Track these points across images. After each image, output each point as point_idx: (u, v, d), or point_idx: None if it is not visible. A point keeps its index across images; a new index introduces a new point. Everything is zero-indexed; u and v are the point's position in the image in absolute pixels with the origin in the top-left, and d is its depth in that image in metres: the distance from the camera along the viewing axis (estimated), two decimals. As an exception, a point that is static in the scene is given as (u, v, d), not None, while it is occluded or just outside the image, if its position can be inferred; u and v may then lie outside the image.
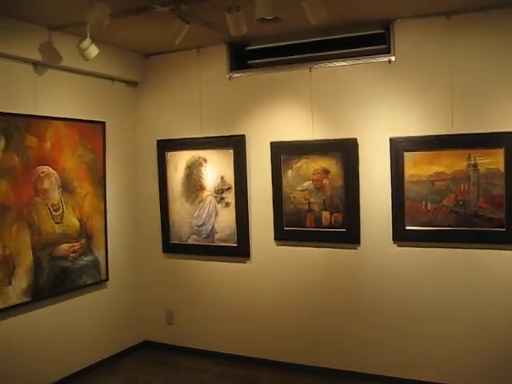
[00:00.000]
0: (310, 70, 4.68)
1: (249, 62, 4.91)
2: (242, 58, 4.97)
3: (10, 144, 4.08)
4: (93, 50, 4.10)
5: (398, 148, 4.35)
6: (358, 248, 4.58)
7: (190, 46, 4.95)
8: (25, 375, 4.29)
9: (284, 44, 4.73)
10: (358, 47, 4.47)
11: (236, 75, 4.99)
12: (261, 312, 5.00)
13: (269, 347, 4.98)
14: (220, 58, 5.05)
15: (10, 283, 4.09)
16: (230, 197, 5.00)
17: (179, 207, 5.26)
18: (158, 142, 5.36)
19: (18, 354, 4.25)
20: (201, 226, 5.15)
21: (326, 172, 4.62)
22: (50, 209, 4.42)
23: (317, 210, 4.68)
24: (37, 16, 4.02)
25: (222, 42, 4.97)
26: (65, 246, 4.56)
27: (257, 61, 4.85)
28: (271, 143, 4.83)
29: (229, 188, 5.00)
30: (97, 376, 4.86)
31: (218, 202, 5.05)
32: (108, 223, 5.05)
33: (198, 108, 5.15)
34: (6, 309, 4.09)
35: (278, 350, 4.95)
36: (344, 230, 4.59)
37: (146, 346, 5.58)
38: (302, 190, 4.73)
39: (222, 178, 5.03)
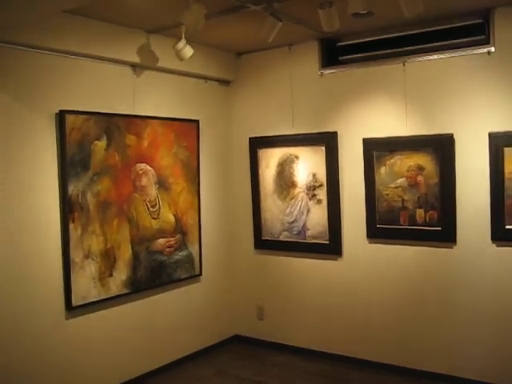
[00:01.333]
0: (404, 65, 4.56)
1: (340, 58, 4.85)
2: (333, 53, 4.92)
3: (111, 143, 4.29)
4: (188, 51, 4.22)
5: (498, 143, 4.15)
6: (454, 247, 4.41)
7: (281, 43, 4.97)
8: (121, 364, 4.52)
9: (376, 38, 4.63)
10: (455, 39, 4.29)
11: (327, 71, 4.96)
12: (352, 311, 4.94)
13: (359, 346, 4.91)
14: (311, 54, 5.03)
15: (111, 275, 4.31)
16: (322, 194, 4.98)
17: (271, 204, 5.31)
18: (250, 139, 5.42)
19: (115, 342, 4.47)
20: (292, 222, 5.17)
21: (421, 168, 4.50)
22: (147, 205, 4.60)
23: (411, 207, 4.57)
24: (135, 20, 4.20)
25: (314, 39, 4.95)
26: (161, 241, 4.74)
27: (348, 56, 4.79)
28: (364, 139, 4.76)
29: (320, 185, 4.98)
30: (189, 368, 5.00)
31: (310, 199, 5.05)
32: (202, 219, 5.18)
33: (289, 105, 5.17)
34: (107, 299, 4.32)
35: (368, 349, 4.87)
36: (439, 228, 4.44)
37: (237, 340, 5.67)
38: (396, 187, 4.63)
39: (314, 175, 5.01)
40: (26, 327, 3.84)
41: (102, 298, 4.27)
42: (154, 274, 4.68)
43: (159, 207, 4.71)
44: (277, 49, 5.18)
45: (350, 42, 4.76)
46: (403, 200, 4.60)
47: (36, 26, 3.69)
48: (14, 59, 3.75)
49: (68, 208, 4.00)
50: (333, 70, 4.93)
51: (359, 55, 4.73)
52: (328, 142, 4.92)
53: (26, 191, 3.83)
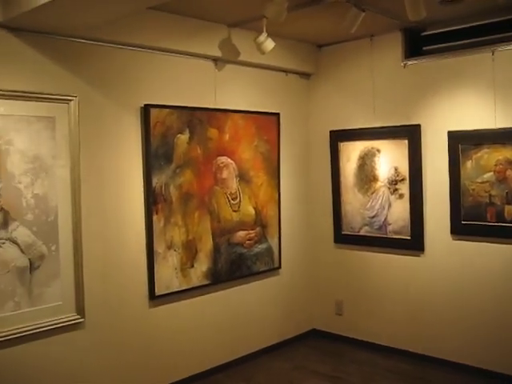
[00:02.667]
0: (493, 53, 4.35)
1: (424, 48, 4.71)
2: (416, 44, 4.78)
3: (193, 136, 4.37)
4: (269, 44, 4.22)
5: None
6: (547, 246, 4.21)
7: (362, 34, 4.88)
8: (199, 354, 4.60)
9: (463, 27, 4.45)
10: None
11: (411, 62, 4.82)
12: (434, 309, 4.79)
13: (442, 346, 4.75)
14: (394, 45, 4.91)
15: (192, 266, 4.40)
16: (404, 188, 4.85)
17: (351, 198, 5.23)
18: (331, 132, 5.36)
19: (195, 332, 4.55)
20: (373, 217, 5.08)
21: (510, 163, 4.29)
22: (228, 197, 4.65)
23: (498, 203, 4.37)
24: (217, 15, 4.24)
25: (397, 29, 4.82)
26: (241, 234, 4.78)
27: (433, 46, 4.64)
28: (449, 132, 4.59)
29: (403, 179, 4.85)
30: (266, 360, 5.02)
31: (392, 194, 4.93)
32: (281, 212, 5.19)
33: (370, 97, 5.07)
34: (189, 289, 4.40)
35: (450, 349, 4.71)
36: (530, 225, 4.24)
37: (314, 335, 5.64)
38: (483, 182, 4.44)
39: (396, 169, 4.89)
40: (115, 314, 3.99)
41: (183, 288, 4.37)
42: (234, 266, 4.73)
43: (240, 200, 4.75)
44: (358, 40, 5.10)
45: (435, 32, 4.61)
46: (490, 195, 4.41)
47: (122, 23, 3.80)
48: (102, 56, 3.89)
49: (152, 200, 4.11)
50: (416, 61, 4.79)
51: (444, 45, 4.57)
52: (411, 135, 4.79)
53: (114, 183, 3.97)
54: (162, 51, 4.20)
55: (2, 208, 3.35)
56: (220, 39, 4.45)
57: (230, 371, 4.74)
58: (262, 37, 4.17)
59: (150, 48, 4.11)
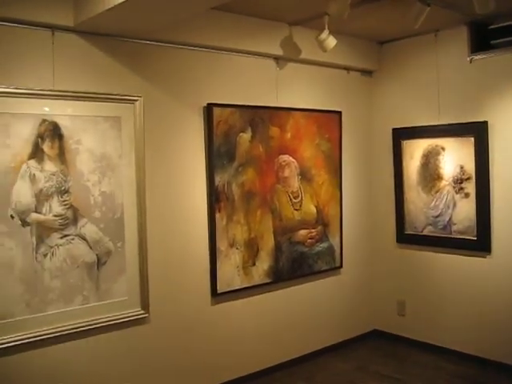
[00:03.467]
0: None
1: (492, 43, 4.55)
2: (483, 38, 4.62)
3: (255, 135, 4.39)
4: (331, 41, 4.19)
5: None
6: None
7: (426, 29, 4.75)
8: (260, 352, 4.62)
9: (533, 19, 4.29)
10: None
11: (477, 57, 4.67)
12: (500, 312, 4.61)
13: (508, 351, 4.57)
14: (459, 39, 4.77)
15: (254, 264, 4.42)
16: (470, 187, 4.70)
17: (415, 197, 5.12)
18: (394, 130, 5.26)
19: (255, 330, 4.57)
20: (437, 216, 4.95)
21: None
22: (289, 196, 4.65)
23: None
24: (278, 13, 4.24)
25: (462, 23, 4.68)
26: (302, 232, 4.76)
27: (501, 40, 4.48)
28: (518, 129, 4.44)
29: (468, 178, 4.70)
30: (327, 360, 4.98)
31: (457, 193, 4.79)
32: (343, 211, 5.14)
33: (435, 94, 4.94)
34: (249, 287, 4.43)
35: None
36: None
37: (376, 336, 5.56)
38: (555, 181, 4.27)
39: (462, 167, 4.75)
40: (178, 310, 4.06)
41: (245, 286, 4.39)
42: (296, 264, 4.72)
43: (301, 198, 4.74)
44: (421, 36, 4.98)
45: (504, 24, 4.44)
46: None
47: (185, 24, 3.86)
48: (166, 57, 3.96)
49: (215, 198, 4.15)
50: (484, 56, 4.63)
51: (514, 38, 4.41)
52: (477, 133, 4.63)
53: (178, 182, 4.04)
54: (224, 51, 4.24)
55: (72, 205, 3.47)
56: (281, 38, 4.46)
57: (289, 370, 4.74)
58: (324, 34, 4.15)
59: (212, 48, 4.16)
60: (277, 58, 4.58)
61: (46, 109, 3.37)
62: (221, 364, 4.33)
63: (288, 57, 4.57)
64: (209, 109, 4.11)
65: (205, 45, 4.10)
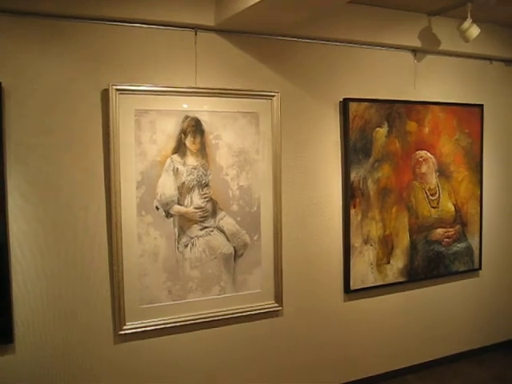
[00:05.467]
0: None
1: None
2: None
3: (392, 130, 4.28)
4: (474, 31, 3.98)
5: None
6: None
7: None
8: (392, 352, 4.53)
9: None
10: None
11: None
12: None
13: None
14: None
15: (388, 262, 4.32)
16: None
17: None
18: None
19: (388, 330, 4.48)
20: None
21: None
22: (426, 193, 4.48)
23: None
24: (416, 4, 4.09)
25: None
26: (439, 231, 4.57)
27: None
28: None
29: None
30: (461, 366, 4.75)
31: None
32: (483, 210, 4.85)
33: None
34: (383, 286, 4.33)
35: None
36: None
37: (514, 345, 5.23)
38: None
39: None
40: (310, 304, 4.09)
41: (378, 284, 4.30)
42: (432, 264, 4.54)
43: (439, 196, 4.55)
44: None
45: None
46: None
47: (321, 18, 3.85)
48: (302, 52, 3.98)
49: (350, 194, 4.10)
50: None
51: None
52: None
53: (313, 177, 4.05)
54: (360, 44, 4.17)
55: (211, 198, 3.60)
56: (419, 29, 4.30)
57: (421, 373, 4.59)
58: (467, 23, 3.95)
59: (348, 42, 4.11)
60: (414, 51, 4.43)
61: (185, 105, 3.51)
62: (351, 362, 4.30)
63: (426, 48, 4.40)
64: (345, 104, 4.07)
65: (341, 39, 4.06)
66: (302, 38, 3.94)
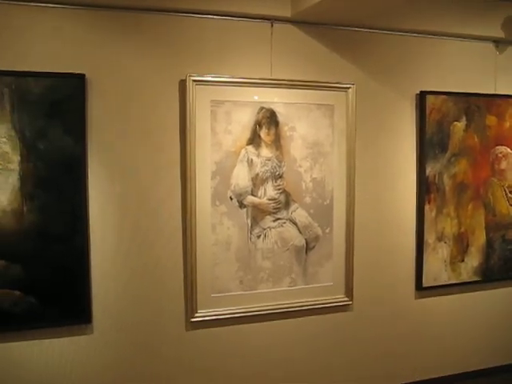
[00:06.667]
0: None
1: None
2: None
3: (470, 124, 4.14)
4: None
5: None
6: None
7: None
8: (462, 353, 4.39)
9: None
10: None
11: None
12: None
13: None
14: None
15: (462, 260, 4.20)
16: None
17: None
18: None
19: (458, 330, 4.35)
20: None
21: None
22: (505, 190, 4.31)
23: None
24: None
25: None
26: (519, 230, 4.41)
27: None
28: None
29: None
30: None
31: None
32: None
33: None
34: (456, 284, 4.22)
35: None
36: None
37: None
38: None
39: None
40: (381, 300, 4.03)
41: (451, 282, 4.19)
42: (508, 264, 4.37)
43: (519, 193, 4.39)
44: None
45: None
46: None
47: (397, 9, 3.75)
48: (379, 44, 3.91)
49: (424, 189, 4.01)
50: None
51: None
52: None
53: (387, 170, 3.99)
54: (438, 35, 4.05)
55: (285, 190, 3.60)
56: (502, 18, 4.12)
57: (493, 378, 4.42)
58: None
59: (424, 33, 3.99)
60: (497, 42, 4.26)
61: (260, 97, 3.52)
62: (421, 361, 4.22)
63: (510, 39, 4.22)
64: (422, 96, 3.97)
65: (418, 30, 3.95)
66: (378, 29, 3.87)
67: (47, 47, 3.11)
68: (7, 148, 3.02)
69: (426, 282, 4.08)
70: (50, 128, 3.09)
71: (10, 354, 3.15)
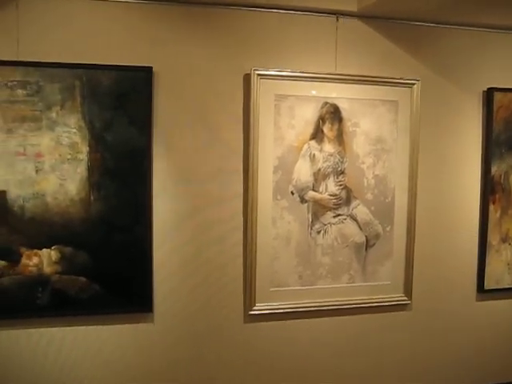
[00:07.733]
0: None
1: None
2: None
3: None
4: None
5: None
6: None
7: None
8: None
9: None
10: None
11: None
12: None
13: None
14: None
15: (530, 263, 4.09)
16: None
17: None
18: None
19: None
20: None
21: None
22: None
23: None
24: None
25: None
26: None
27: None
28: None
29: None
30: None
31: None
32: None
33: None
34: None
35: None
36: None
37: None
38: None
39: None
40: (440, 301, 3.96)
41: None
42: None
43: None
44: None
45: None
46: None
47: (466, 3, 3.66)
48: (445, 38, 3.81)
49: (489, 189, 3.91)
50: None
51: None
52: None
53: (450, 169, 3.90)
54: (506, 29, 3.91)
55: (346, 186, 3.58)
56: None
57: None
58: None
59: (492, 27, 3.87)
60: None
61: (324, 92, 3.50)
62: (481, 366, 4.11)
63: None
64: (489, 93, 3.87)
65: (486, 24, 3.84)
66: (444, 23, 3.77)
67: (116, 40, 3.18)
68: (77, 138, 3.11)
69: (487, 285, 3.98)
70: (117, 119, 3.16)
71: (75, 337, 3.26)
